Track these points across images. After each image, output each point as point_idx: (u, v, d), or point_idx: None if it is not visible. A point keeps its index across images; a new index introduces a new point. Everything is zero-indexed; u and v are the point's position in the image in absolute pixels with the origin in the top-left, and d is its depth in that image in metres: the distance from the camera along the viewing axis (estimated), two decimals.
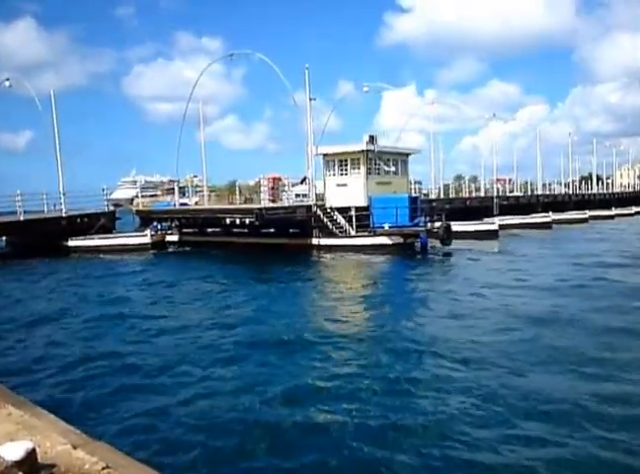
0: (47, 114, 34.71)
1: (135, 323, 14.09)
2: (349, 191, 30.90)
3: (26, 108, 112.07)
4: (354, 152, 30.82)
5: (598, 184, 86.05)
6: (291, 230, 32.04)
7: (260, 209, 28.86)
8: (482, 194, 51.19)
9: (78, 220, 33.21)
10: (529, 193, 65.14)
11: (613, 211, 57.55)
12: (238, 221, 30.00)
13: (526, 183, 74.03)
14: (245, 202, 39.58)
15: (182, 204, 36.96)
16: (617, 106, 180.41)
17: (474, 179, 75.95)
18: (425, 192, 54.32)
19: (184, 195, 63.16)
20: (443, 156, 53.80)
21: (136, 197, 53.12)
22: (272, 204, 30.56)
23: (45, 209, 34.86)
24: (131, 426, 7.62)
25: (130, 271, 25.11)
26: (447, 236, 30.02)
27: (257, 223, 28.93)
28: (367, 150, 30.30)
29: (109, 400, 8.59)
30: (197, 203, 50.39)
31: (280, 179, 38.53)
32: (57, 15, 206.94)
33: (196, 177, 74.11)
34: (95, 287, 20.22)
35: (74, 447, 3.74)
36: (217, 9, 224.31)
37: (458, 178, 74.03)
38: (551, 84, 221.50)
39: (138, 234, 32.87)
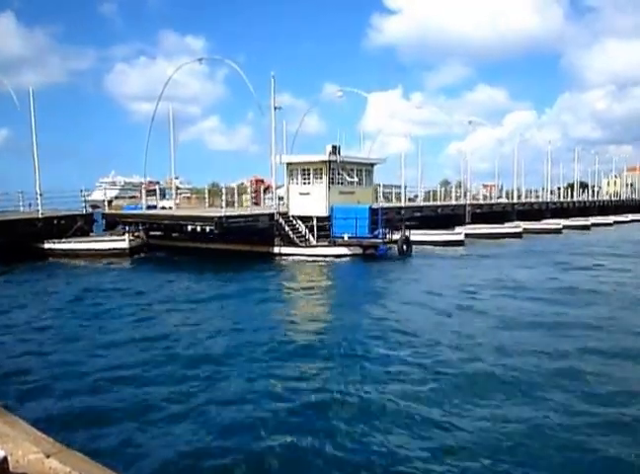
0: (25, 111, 34.15)
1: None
2: (311, 200, 31.07)
3: (3, 105, 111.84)
4: (316, 162, 30.98)
5: (584, 192, 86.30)
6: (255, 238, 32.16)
7: (220, 218, 28.93)
8: (454, 201, 51.12)
9: (55, 222, 32.32)
10: (511, 200, 65.58)
11: (590, 221, 57.57)
12: (199, 229, 30.18)
13: (512, 190, 74.57)
14: (227, 205, 39.64)
15: (150, 208, 36.83)
16: (605, 113, 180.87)
17: (460, 184, 76.50)
18: (410, 196, 54.72)
19: (164, 196, 63.17)
20: (430, 161, 54.00)
21: (116, 198, 53.18)
22: (232, 212, 30.52)
23: (22, 209, 34.37)
24: (103, 434, 7.85)
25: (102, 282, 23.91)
26: (407, 248, 30.29)
27: (216, 231, 29.11)
28: (330, 160, 30.46)
29: (81, 409, 8.83)
30: (177, 205, 50.48)
31: (262, 181, 38.70)
32: (38, 11, 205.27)
33: (176, 178, 74.38)
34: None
35: (47, 456, 3.71)
36: (203, 9, 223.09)
37: (445, 183, 74.47)
38: (539, 90, 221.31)
39: (116, 238, 32.15)
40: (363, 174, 33.21)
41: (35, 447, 3.83)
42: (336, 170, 31.24)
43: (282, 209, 32.12)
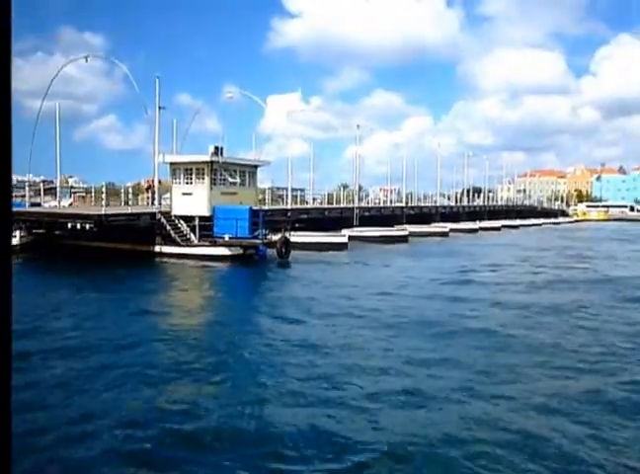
0: None
1: None
2: (193, 200, 31.46)
3: None
4: (199, 162, 31.45)
5: (478, 197, 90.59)
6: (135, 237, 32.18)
7: (99, 216, 28.84)
8: (342, 204, 52.76)
9: None
10: (404, 203, 68.27)
11: (478, 225, 60.77)
12: (79, 226, 29.99)
13: (406, 194, 77.38)
14: (126, 204, 39.30)
15: (33, 205, 36.03)
16: (498, 120, 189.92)
17: (360, 188, 78.57)
18: (308, 200, 55.87)
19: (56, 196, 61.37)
20: (330, 164, 55.36)
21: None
22: (112, 211, 30.50)
23: None
24: None
25: None
26: (285, 249, 31.22)
27: (95, 229, 29.05)
28: (212, 161, 30.99)
29: None
30: (71, 205, 49.29)
31: (160, 182, 38.45)
32: None
33: (71, 177, 72.56)
34: None
35: None
36: (102, 4, 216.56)
37: (344, 187, 76.20)
38: (435, 96, 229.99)
39: None
40: (247, 175, 33.94)
41: None
42: (218, 171, 31.80)
43: (166, 209, 32.34)
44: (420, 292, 21.56)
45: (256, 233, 30.50)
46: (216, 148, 31.36)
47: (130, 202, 39.88)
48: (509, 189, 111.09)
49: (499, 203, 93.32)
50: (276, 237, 31.47)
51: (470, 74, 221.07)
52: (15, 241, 29.73)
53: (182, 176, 32.03)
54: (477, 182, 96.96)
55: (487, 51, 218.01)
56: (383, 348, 12.97)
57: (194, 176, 31.73)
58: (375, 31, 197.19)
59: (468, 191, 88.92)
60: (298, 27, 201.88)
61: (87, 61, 36.19)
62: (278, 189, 59.62)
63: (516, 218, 79.53)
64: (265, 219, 31.78)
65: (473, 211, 74.92)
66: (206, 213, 31.03)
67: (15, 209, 36.39)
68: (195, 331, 15.30)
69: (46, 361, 11.61)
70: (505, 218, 76.84)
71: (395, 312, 17.16)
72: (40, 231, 34.25)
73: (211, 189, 31.38)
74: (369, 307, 18.00)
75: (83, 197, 56.96)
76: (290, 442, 7.85)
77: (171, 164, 32.28)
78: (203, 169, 31.43)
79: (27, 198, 36.45)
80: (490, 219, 72.57)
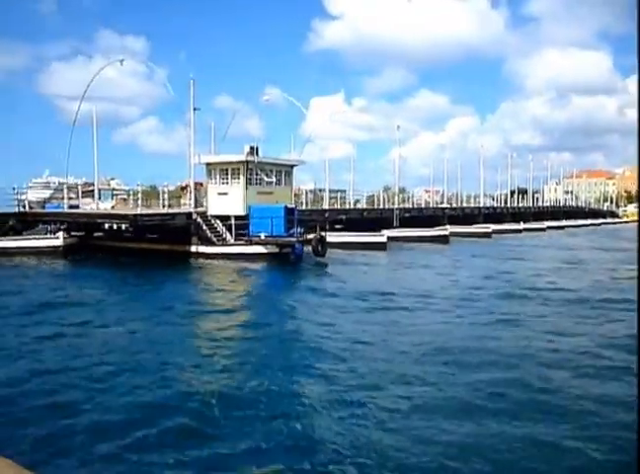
0: None
1: None
2: (229, 199, 31.43)
3: None
4: (234, 162, 31.39)
5: (523, 198, 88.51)
6: (174, 237, 32.32)
7: (134, 215, 29.06)
8: (381, 205, 52.09)
9: None
10: (453, 204, 67.30)
11: (522, 225, 59.36)
12: (115, 226, 30.26)
13: (451, 195, 76.22)
14: (169, 207, 39.66)
15: (71, 207, 36.50)
16: (546, 120, 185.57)
17: (403, 190, 77.77)
18: (352, 201, 55.44)
19: (99, 198, 62.24)
20: (373, 166, 54.93)
21: (51, 198, 52.36)
22: (147, 210, 30.73)
23: None
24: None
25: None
26: (321, 247, 30.81)
27: (130, 229, 29.22)
28: (248, 161, 30.89)
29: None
30: (113, 208, 49.99)
31: (201, 184, 38.70)
32: None
33: (113, 179, 73.60)
34: None
35: None
36: (142, 9, 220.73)
37: (386, 188, 75.54)
38: (481, 96, 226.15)
39: (49, 236, 31.71)
40: (283, 174, 33.75)
41: None
42: (254, 170, 31.67)
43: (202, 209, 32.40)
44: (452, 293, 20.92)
45: (291, 231, 30.20)
46: (251, 148, 31.28)
47: (170, 204, 40.12)
48: (556, 189, 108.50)
49: (545, 204, 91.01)
50: (312, 236, 31.11)
51: (516, 73, 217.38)
52: (58, 242, 30.20)
53: (217, 176, 32.05)
54: (523, 183, 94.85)
55: (533, 51, 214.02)
56: (417, 346, 12.43)
57: (229, 176, 31.70)
58: (418, 31, 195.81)
59: (513, 192, 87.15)
60: (339, 28, 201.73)
61: (122, 64, 36.43)
62: (320, 190, 59.34)
63: (562, 219, 77.71)
64: (301, 219, 31.52)
65: (518, 212, 73.24)
66: (242, 213, 30.93)
67: (53, 210, 37.13)
68: (234, 330, 15.05)
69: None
70: (551, 219, 75.16)
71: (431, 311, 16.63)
72: (79, 234, 34.78)
73: (247, 188, 31.26)
74: (404, 306, 17.49)
75: (125, 199, 57.69)
76: None
77: (207, 164, 32.36)
78: (239, 169, 31.35)
79: (65, 201, 36.89)
80: (535, 220, 71.00)
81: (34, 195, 59.96)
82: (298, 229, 30.67)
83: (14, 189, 34.70)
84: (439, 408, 8.73)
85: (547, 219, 74.10)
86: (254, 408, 8.74)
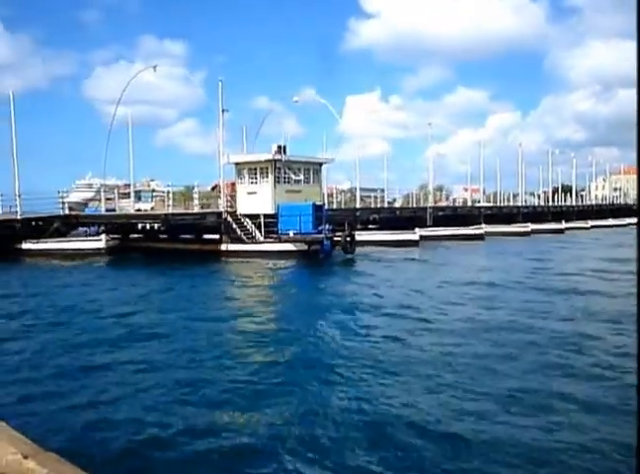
0: (6, 115, 33.87)
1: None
2: (258, 198, 31.89)
3: None
4: (262, 161, 31.84)
5: (569, 195, 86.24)
6: (206, 236, 33.03)
7: (166, 215, 29.87)
8: (414, 204, 51.80)
9: (32, 223, 32.86)
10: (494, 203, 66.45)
11: (564, 224, 58.07)
12: (148, 226, 31.04)
13: (491, 193, 75.11)
14: (202, 208, 40.43)
15: (108, 210, 37.45)
16: (590, 114, 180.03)
17: (440, 188, 76.98)
18: (389, 199, 55.41)
19: (139, 199, 63.52)
20: (409, 164, 54.86)
21: (92, 199, 53.85)
22: (179, 211, 31.46)
23: (1, 211, 34.79)
24: (82, 437, 7.52)
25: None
26: (350, 244, 30.93)
27: (163, 228, 29.96)
28: (275, 159, 31.28)
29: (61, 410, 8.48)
30: (152, 209, 51.12)
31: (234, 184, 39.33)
32: (23, 17, 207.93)
33: (152, 181, 74.91)
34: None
35: (25, 457, 3.65)
36: (182, 13, 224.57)
37: (423, 187, 75.02)
38: (521, 91, 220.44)
39: (93, 239, 32.72)
40: (311, 173, 34.01)
41: (12, 448, 3.78)
42: (282, 169, 32.03)
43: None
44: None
45: (319, 229, 30.41)
46: (279, 147, 31.68)
47: (208, 204, 40.74)
48: (603, 186, 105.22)
49: (590, 202, 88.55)
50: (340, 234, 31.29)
51: (559, 67, 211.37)
52: (101, 244, 31.12)
53: (246, 175, 32.57)
54: (568, 180, 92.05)
55: (576, 43, 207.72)
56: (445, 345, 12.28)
57: (258, 175, 32.16)
58: (456, 27, 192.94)
59: (557, 189, 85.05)
60: (376, 26, 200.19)
61: (155, 71, 36.99)
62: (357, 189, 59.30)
63: (609, 218, 75.30)
64: (332, 218, 31.76)
65: (560, 211, 71.37)
66: (271, 211, 31.33)
67: (92, 213, 38.22)
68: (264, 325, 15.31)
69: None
70: (597, 218, 72.95)
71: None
72: (117, 235, 35.71)
73: (275, 187, 31.65)
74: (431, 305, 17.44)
75: (163, 199, 58.73)
76: None
77: (236, 164, 32.88)
78: (267, 168, 31.77)
79: (102, 203, 37.83)
80: (579, 219, 69.11)
81: (77, 196, 61.69)
82: (327, 227, 30.92)
83: (59, 192, 35.71)
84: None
85: (592, 218, 72.02)
86: None
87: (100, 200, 39.66)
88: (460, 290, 19.62)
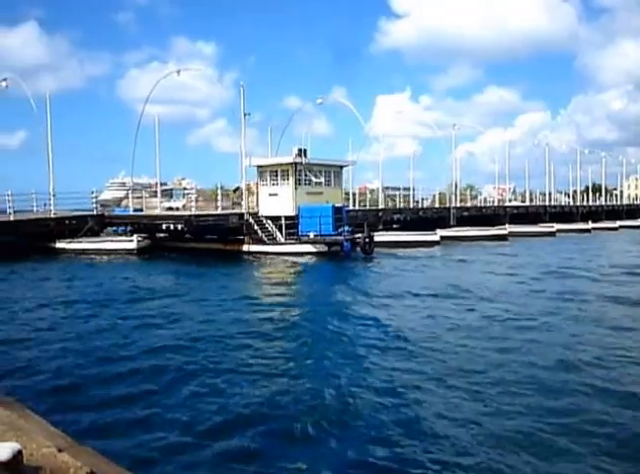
0: (42, 115, 34.78)
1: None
2: (279, 200, 32.54)
3: (21, 108, 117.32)
4: (284, 164, 32.50)
5: (601, 195, 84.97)
6: (230, 237, 33.87)
7: (189, 216, 30.73)
8: (437, 204, 51.88)
9: (66, 222, 33.22)
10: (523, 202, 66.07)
11: (590, 225, 57.51)
12: (172, 227, 31.99)
13: (524, 192, 74.55)
14: (232, 206, 41.36)
15: (136, 210, 38.40)
16: (621, 113, 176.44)
17: (470, 187, 76.69)
18: (417, 199, 55.61)
19: (171, 197, 64.89)
20: (439, 163, 54.92)
21: (125, 198, 55.30)
22: (202, 212, 32.29)
23: (35, 210, 35.57)
24: (117, 432, 7.60)
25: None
26: (369, 245, 31.43)
27: (185, 229, 30.89)
28: (296, 162, 31.90)
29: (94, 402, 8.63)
30: (184, 207, 52.26)
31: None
32: (60, 19, 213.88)
33: (184, 179, 76.34)
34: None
35: (59, 451, 3.78)
36: (213, 14, 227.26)
37: (451, 186, 74.82)
38: (552, 91, 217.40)
39: (125, 239, 33.19)
40: (332, 175, 34.55)
41: (48, 441, 3.94)
42: (303, 171, 32.66)
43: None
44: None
45: (339, 230, 30.97)
46: (300, 150, 32.32)
47: (236, 204, 41.63)
48: (636, 186, 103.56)
49: (620, 202, 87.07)
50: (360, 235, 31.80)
51: (590, 67, 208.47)
52: (133, 245, 31.71)
53: (268, 178, 33.24)
54: (600, 179, 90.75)
55: (607, 43, 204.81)
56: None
57: (279, 177, 32.81)
58: (486, 26, 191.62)
59: (588, 188, 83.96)
60: (406, 26, 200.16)
61: (178, 75, 37.24)
62: (386, 188, 59.56)
63: (639, 218, 74.04)
64: (355, 219, 32.28)
65: (589, 211, 70.43)
66: (292, 213, 31.95)
67: (121, 214, 39.36)
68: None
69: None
70: (628, 218, 71.87)
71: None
72: (145, 235, 36.68)
73: (296, 189, 32.26)
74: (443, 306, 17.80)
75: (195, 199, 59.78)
76: None
77: (258, 167, 33.59)
78: (288, 170, 32.41)
79: (130, 203, 38.85)
80: (609, 219, 68.21)
81: (109, 194, 63.19)
82: (347, 229, 31.50)
83: (92, 192, 36.38)
84: None
85: (623, 218, 71.01)
86: None
87: (130, 198, 40.75)
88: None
